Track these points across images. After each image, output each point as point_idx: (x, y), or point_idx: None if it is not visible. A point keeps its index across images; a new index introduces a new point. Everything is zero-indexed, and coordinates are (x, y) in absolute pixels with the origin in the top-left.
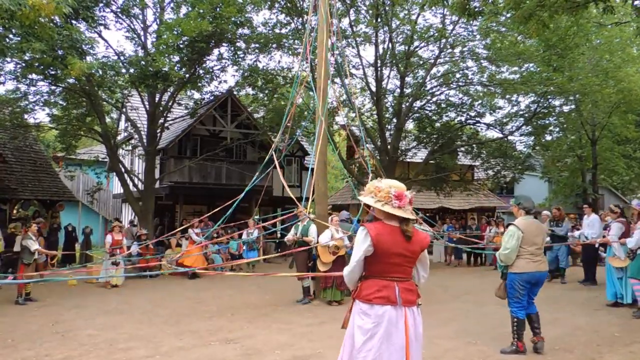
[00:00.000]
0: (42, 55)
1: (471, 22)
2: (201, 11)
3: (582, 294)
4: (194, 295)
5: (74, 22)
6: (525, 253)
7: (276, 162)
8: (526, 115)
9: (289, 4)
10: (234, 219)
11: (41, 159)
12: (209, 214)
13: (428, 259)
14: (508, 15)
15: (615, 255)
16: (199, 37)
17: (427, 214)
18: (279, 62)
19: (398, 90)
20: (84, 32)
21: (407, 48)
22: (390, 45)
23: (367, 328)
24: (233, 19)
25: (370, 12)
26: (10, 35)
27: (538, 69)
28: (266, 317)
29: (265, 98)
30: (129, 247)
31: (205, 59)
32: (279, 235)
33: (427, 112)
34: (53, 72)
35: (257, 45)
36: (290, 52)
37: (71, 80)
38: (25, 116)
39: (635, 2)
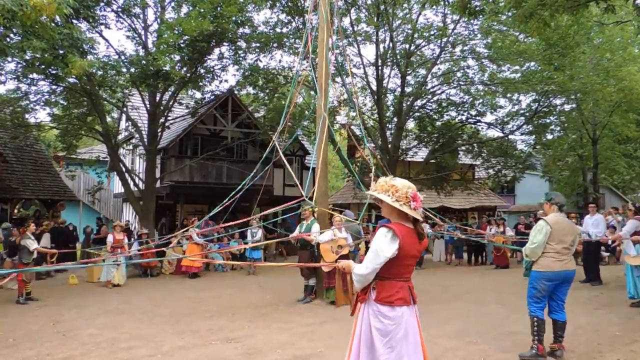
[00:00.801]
0: (43, 54)
1: (472, 21)
2: (202, 10)
3: (583, 293)
4: (195, 295)
5: (74, 21)
6: (551, 251)
7: (282, 157)
8: (527, 114)
9: (290, 3)
10: (235, 218)
11: (42, 158)
12: (209, 215)
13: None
14: (509, 14)
15: (637, 253)
16: (200, 37)
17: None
18: (280, 61)
19: (399, 89)
20: (85, 32)
21: (408, 47)
22: (391, 44)
23: (388, 330)
24: (234, 18)
25: (371, 10)
26: (11, 35)
27: (539, 67)
28: (267, 316)
29: (266, 97)
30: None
31: (206, 59)
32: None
33: (427, 111)
34: (54, 72)
35: (258, 44)
36: (291, 52)
37: (72, 80)
38: (26, 116)
39: (637, 2)
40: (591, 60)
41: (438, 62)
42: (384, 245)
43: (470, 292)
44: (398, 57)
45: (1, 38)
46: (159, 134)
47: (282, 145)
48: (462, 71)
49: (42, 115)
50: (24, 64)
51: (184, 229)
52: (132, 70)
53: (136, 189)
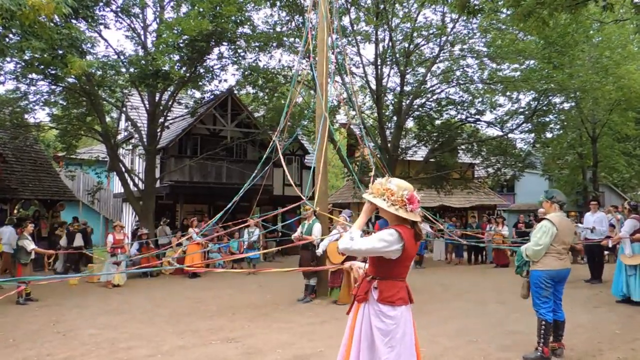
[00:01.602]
0: (42, 54)
1: (471, 19)
2: (201, 10)
3: (583, 291)
4: (195, 295)
5: (73, 21)
6: (553, 251)
7: (281, 157)
8: (526, 112)
9: (289, 1)
10: (234, 218)
11: (41, 158)
12: (214, 219)
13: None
14: (508, 12)
15: (632, 252)
16: (199, 36)
17: (428, 212)
18: (280, 60)
19: (398, 88)
20: (85, 32)
21: (407, 46)
22: (390, 43)
23: (389, 329)
24: (233, 17)
25: (371, 10)
26: (10, 35)
27: (538, 66)
28: (267, 316)
29: (266, 97)
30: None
31: (205, 58)
32: (279, 234)
33: (427, 109)
34: (53, 72)
35: (257, 44)
36: (290, 51)
37: (71, 80)
38: (26, 116)
39: (635, 0)
40: (590, 59)
41: (437, 60)
42: (386, 240)
43: (470, 291)
44: (397, 56)
45: (0, 38)
46: (159, 133)
47: (282, 145)
48: (461, 70)
49: (41, 115)
50: (23, 64)
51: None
52: (132, 70)
53: (136, 189)
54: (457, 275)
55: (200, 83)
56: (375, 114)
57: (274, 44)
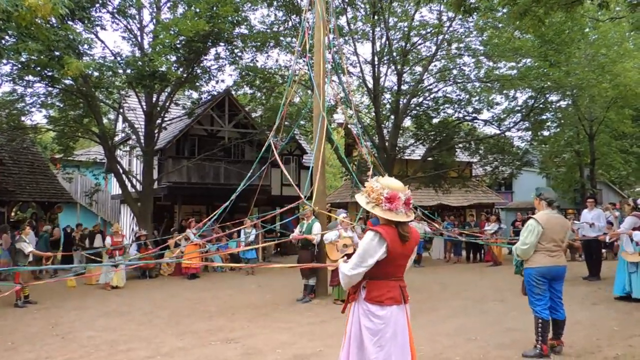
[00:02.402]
0: (39, 56)
1: (467, 18)
2: (198, 10)
3: (581, 288)
4: (194, 296)
5: (70, 22)
6: (543, 249)
7: (277, 157)
8: (523, 111)
9: (286, 1)
10: (233, 218)
11: (39, 160)
12: (211, 218)
13: (415, 251)
14: (504, 10)
15: (632, 250)
16: (196, 37)
17: (426, 211)
18: (277, 60)
19: (395, 87)
20: (81, 33)
21: (404, 45)
22: (387, 43)
23: (377, 329)
24: (230, 18)
25: (368, 8)
26: (6, 37)
27: (535, 64)
28: (266, 316)
29: (263, 97)
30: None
31: (202, 59)
32: (278, 234)
33: (424, 108)
34: (50, 73)
35: (254, 44)
36: (287, 50)
37: (68, 82)
38: (23, 118)
39: None
40: (586, 56)
41: (434, 59)
42: (370, 250)
43: (469, 290)
44: (394, 54)
45: None
46: (156, 135)
47: (279, 145)
48: (458, 68)
49: (38, 117)
50: (20, 66)
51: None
52: (129, 71)
53: (134, 190)
54: (455, 274)
55: (197, 84)
56: (373, 113)
57: (271, 44)
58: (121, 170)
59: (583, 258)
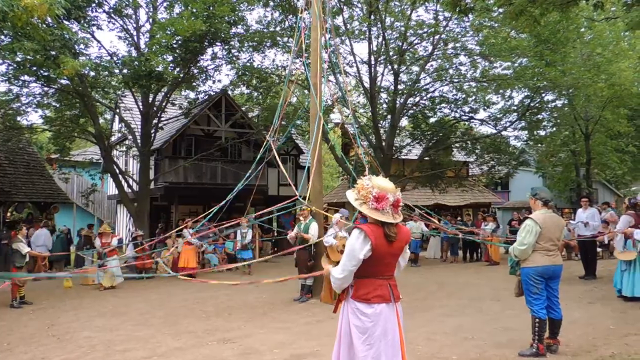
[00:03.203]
0: (34, 56)
1: (463, 18)
2: (194, 10)
3: (577, 287)
4: (191, 296)
5: (66, 22)
6: (540, 249)
7: (276, 156)
8: (519, 110)
9: (282, 1)
10: (229, 218)
11: (35, 161)
12: (206, 215)
13: (408, 250)
14: (500, 10)
15: (625, 249)
16: (193, 37)
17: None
18: (274, 60)
19: (392, 87)
20: (77, 33)
21: (401, 44)
22: (383, 42)
23: (366, 327)
24: (226, 18)
25: (364, 8)
26: (2, 37)
27: (531, 63)
28: (263, 316)
29: (260, 97)
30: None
31: (199, 59)
32: (275, 233)
33: (421, 108)
34: (46, 73)
35: (251, 44)
36: (284, 50)
37: (64, 81)
38: (18, 118)
39: None
40: (582, 56)
41: (431, 59)
42: (356, 247)
43: (465, 289)
44: (391, 54)
45: None
46: (153, 135)
47: (276, 145)
48: (454, 67)
49: (34, 117)
50: (15, 65)
51: (178, 230)
52: (125, 71)
53: (130, 190)
54: (452, 273)
55: (194, 83)
56: (370, 113)
57: (268, 43)
58: (117, 171)
59: (579, 257)
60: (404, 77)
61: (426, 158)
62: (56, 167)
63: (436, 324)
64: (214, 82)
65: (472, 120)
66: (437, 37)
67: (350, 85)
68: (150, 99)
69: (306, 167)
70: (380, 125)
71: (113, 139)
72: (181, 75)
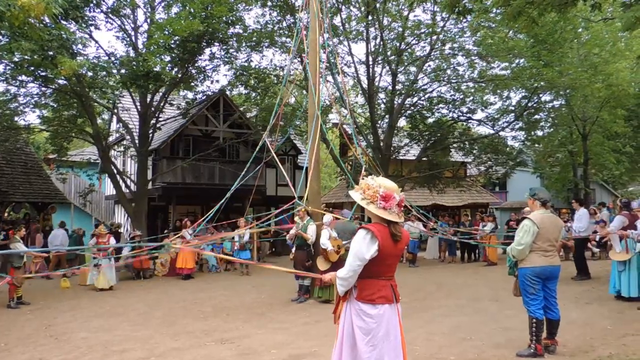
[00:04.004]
0: (32, 56)
1: (461, 19)
2: (192, 10)
3: (574, 288)
4: (189, 296)
5: (63, 22)
6: (538, 249)
7: (274, 156)
8: (517, 110)
9: (280, 1)
10: (227, 218)
11: (32, 161)
12: (205, 218)
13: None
14: (498, 11)
15: (619, 249)
16: (190, 37)
17: (421, 210)
18: (271, 60)
19: (390, 87)
20: (75, 32)
21: (398, 45)
22: (381, 42)
23: (370, 328)
24: (224, 18)
25: (362, 8)
26: None
27: (529, 64)
28: (262, 316)
29: (258, 97)
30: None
31: (197, 59)
32: (272, 232)
33: (419, 108)
34: (43, 73)
35: (249, 43)
36: (282, 50)
37: (62, 82)
38: (16, 118)
39: None
40: (579, 57)
41: (428, 59)
42: (362, 248)
43: (463, 289)
44: (389, 54)
45: None
46: (150, 135)
47: (274, 145)
48: (452, 68)
49: (31, 117)
50: (13, 65)
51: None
52: (123, 71)
53: (128, 190)
54: (450, 274)
55: (192, 84)
56: (368, 113)
57: (266, 43)
58: (115, 171)
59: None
60: (401, 77)
61: (424, 158)
62: (54, 167)
63: (434, 324)
64: (211, 82)
65: (469, 121)
66: (434, 37)
67: (348, 85)
68: (148, 99)
69: (304, 168)
70: (378, 125)
71: (111, 139)
72: (179, 76)
